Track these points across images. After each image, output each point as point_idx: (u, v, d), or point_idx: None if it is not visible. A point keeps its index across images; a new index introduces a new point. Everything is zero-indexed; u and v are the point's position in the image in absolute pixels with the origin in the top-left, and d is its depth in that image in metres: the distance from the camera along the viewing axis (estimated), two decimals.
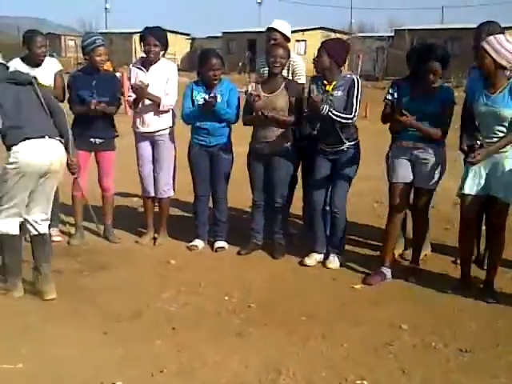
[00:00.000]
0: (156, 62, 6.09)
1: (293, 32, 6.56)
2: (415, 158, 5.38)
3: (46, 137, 4.82)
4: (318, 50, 5.61)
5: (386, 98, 5.51)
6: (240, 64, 40.46)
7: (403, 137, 5.40)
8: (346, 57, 5.73)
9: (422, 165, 5.37)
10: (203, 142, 6.05)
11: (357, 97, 5.49)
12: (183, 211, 7.43)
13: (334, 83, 5.56)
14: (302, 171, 6.36)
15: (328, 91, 5.56)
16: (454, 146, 5.43)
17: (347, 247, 6.13)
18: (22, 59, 6.13)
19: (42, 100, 4.94)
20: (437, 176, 5.40)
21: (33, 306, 4.82)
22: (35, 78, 5.05)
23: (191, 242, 6.32)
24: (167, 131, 6.21)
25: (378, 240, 6.14)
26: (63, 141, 4.97)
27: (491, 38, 4.86)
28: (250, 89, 5.92)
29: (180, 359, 4.08)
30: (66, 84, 6.29)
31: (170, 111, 6.20)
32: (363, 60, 34.84)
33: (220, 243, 6.28)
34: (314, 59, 5.83)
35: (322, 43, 5.70)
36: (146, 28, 6.11)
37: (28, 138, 4.72)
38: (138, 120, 6.19)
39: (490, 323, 4.74)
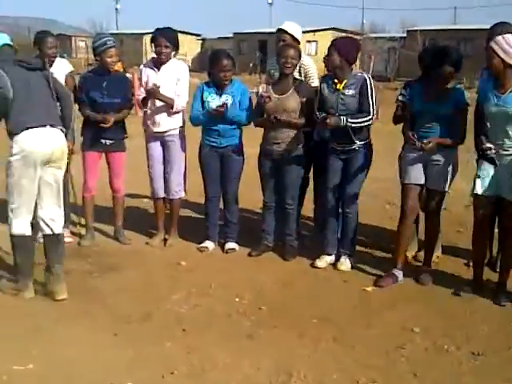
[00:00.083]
0: (167, 63, 6.09)
1: (304, 33, 6.54)
2: (427, 160, 5.35)
3: (48, 126, 4.86)
4: (329, 49, 5.57)
5: (398, 99, 5.48)
6: (251, 65, 40.43)
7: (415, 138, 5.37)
8: (356, 55, 5.69)
9: (434, 166, 5.34)
10: (214, 143, 6.04)
11: (371, 95, 5.46)
12: (194, 212, 7.42)
13: (344, 82, 5.52)
14: (313, 173, 6.34)
15: (339, 90, 5.53)
16: (466, 148, 5.39)
17: (358, 249, 6.11)
18: None
19: (51, 85, 5.00)
20: (449, 178, 5.38)
21: (43, 307, 4.83)
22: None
23: (202, 243, 6.31)
24: (177, 131, 6.20)
25: (389, 242, 6.11)
26: (64, 130, 5.02)
27: (499, 37, 4.84)
28: (260, 90, 5.91)
29: (190, 361, 4.07)
30: (76, 85, 6.30)
31: (181, 111, 6.20)
32: (375, 61, 34.75)
33: (231, 245, 6.27)
34: (324, 57, 5.81)
35: (333, 41, 5.66)
36: (157, 29, 6.11)
37: (30, 128, 4.76)
38: (148, 120, 6.20)
39: (503, 326, 4.71)
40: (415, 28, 43.17)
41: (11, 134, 4.82)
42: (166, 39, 6.00)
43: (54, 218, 5.04)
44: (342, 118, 5.41)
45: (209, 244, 6.31)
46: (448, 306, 5.06)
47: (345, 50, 5.54)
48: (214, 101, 5.93)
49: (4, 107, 4.80)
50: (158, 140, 6.24)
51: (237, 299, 5.09)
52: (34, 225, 5.08)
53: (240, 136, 6.12)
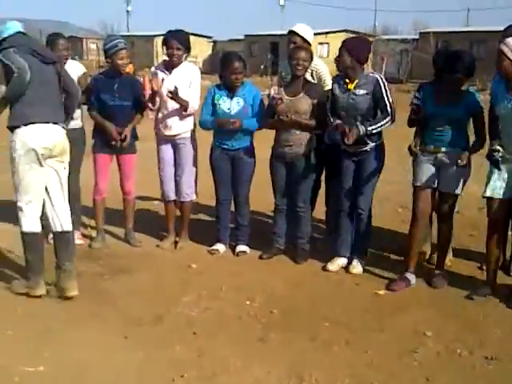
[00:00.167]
0: (179, 65, 6.07)
1: (315, 35, 6.53)
2: (440, 163, 5.31)
3: (50, 123, 4.88)
4: (339, 49, 5.54)
5: (412, 102, 5.44)
6: (262, 67, 40.46)
7: (428, 141, 5.34)
8: (367, 55, 5.66)
9: (447, 169, 5.30)
10: (225, 146, 6.03)
11: (387, 95, 5.43)
12: (205, 215, 7.42)
13: (355, 82, 5.50)
14: (325, 176, 6.31)
15: (350, 90, 5.51)
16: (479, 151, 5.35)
17: (371, 252, 6.07)
18: None
19: (62, 79, 5.02)
20: (461, 181, 5.33)
21: (54, 309, 4.83)
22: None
23: (212, 245, 6.30)
24: (188, 134, 6.18)
25: (402, 245, 6.06)
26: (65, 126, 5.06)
27: (509, 39, 4.80)
28: (272, 92, 5.89)
29: (201, 364, 4.05)
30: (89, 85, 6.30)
31: (193, 114, 6.19)
32: (387, 63, 34.68)
33: (242, 247, 6.25)
34: (335, 58, 5.78)
35: (343, 42, 5.62)
36: (169, 31, 6.09)
37: (32, 123, 4.78)
38: (160, 124, 6.18)
39: None
40: (428, 30, 43.09)
41: (12, 127, 4.81)
42: (178, 41, 5.98)
43: (62, 215, 5.05)
44: (360, 128, 5.37)
45: (220, 247, 6.29)
46: (461, 309, 5.01)
47: (355, 49, 5.50)
48: (224, 103, 5.92)
49: (21, 88, 4.77)
50: (169, 143, 6.23)
51: (248, 302, 5.07)
52: (45, 225, 5.10)
53: (251, 138, 6.10)
